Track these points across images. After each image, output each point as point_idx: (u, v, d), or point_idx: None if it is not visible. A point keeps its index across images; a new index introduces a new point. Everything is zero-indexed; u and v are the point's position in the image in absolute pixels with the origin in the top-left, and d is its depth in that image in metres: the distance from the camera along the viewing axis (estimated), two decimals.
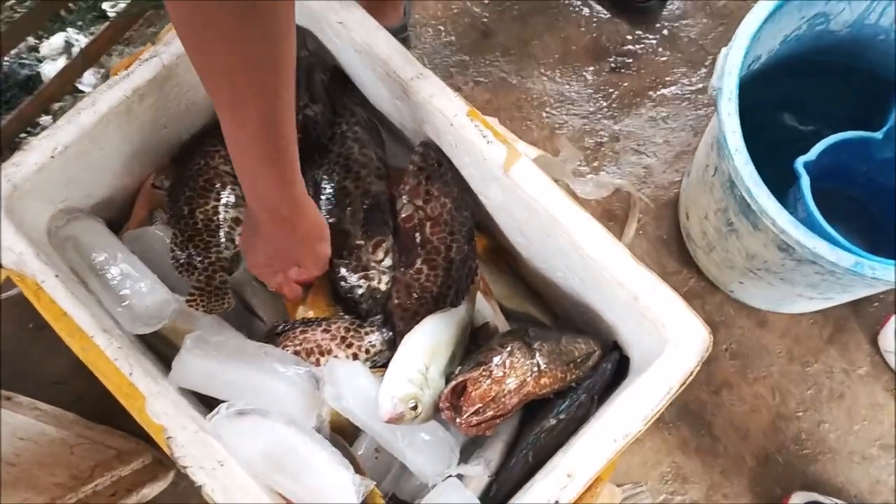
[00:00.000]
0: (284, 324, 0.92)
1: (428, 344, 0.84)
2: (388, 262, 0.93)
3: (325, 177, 0.94)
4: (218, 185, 0.93)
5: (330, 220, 0.91)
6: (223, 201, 0.93)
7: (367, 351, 0.90)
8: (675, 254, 1.26)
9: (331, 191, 0.94)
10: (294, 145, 0.69)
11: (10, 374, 1.22)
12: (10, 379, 1.20)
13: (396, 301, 0.92)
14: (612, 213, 1.28)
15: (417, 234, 0.92)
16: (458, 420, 0.77)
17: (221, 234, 0.92)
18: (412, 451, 0.83)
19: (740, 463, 1.17)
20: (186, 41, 0.59)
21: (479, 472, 0.85)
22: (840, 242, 0.88)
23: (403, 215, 0.93)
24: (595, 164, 1.32)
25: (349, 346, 0.89)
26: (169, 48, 0.87)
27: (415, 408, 0.79)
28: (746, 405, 1.19)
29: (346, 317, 0.93)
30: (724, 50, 0.93)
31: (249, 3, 0.54)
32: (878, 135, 1.02)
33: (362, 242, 0.92)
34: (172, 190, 0.95)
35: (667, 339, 0.78)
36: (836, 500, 1.10)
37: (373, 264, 0.92)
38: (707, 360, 1.18)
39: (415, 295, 0.91)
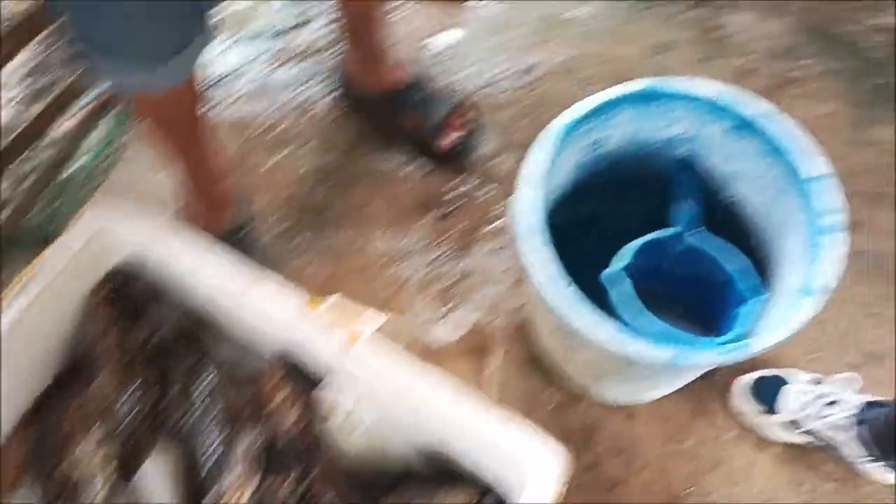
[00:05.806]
0: None
1: None
2: None
3: None
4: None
5: None
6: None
7: None
8: (539, 371, 1.34)
9: None
10: None
11: None
12: None
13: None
14: (475, 347, 1.36)
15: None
16: None
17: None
18: None
19: None
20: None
21: None
22: (660, 334, 0.98)
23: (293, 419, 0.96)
24: (450, 304, 1.41)
25: None
26: None
27: None
28: (639, 496, 1.26)
29: None
30: (510, 198, 1.04)
31: None
32: (674, 230, 1.15)
33: None
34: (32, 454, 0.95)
35: (527, 472, 0.83)
36: None
37: None
38: (591, 465, 1.27)
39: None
